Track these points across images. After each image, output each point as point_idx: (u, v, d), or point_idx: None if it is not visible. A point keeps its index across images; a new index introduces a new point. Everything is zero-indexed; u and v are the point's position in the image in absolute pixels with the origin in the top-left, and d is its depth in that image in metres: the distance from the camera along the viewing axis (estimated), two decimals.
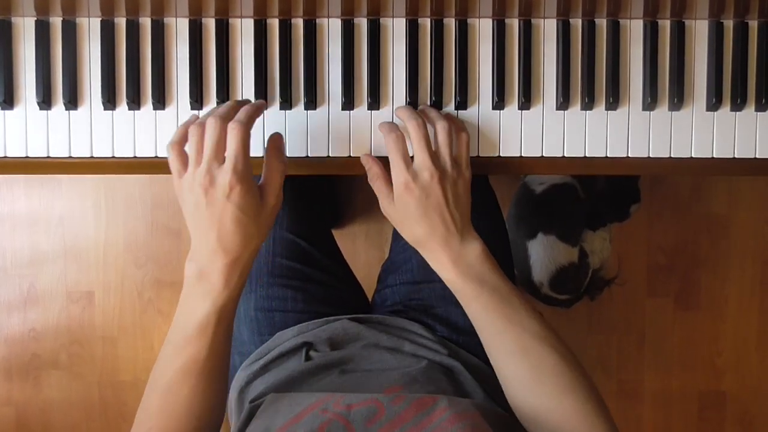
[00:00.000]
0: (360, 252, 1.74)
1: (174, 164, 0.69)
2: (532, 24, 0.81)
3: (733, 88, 0.82)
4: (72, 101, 0.79)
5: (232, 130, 0.67)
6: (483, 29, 0.81)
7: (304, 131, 0.80)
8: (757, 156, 0.83)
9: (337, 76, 0.80)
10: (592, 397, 0.71)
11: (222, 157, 0.67)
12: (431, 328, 0.95)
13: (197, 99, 0.79)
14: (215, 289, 0.70)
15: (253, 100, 0.80)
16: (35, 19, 0.79)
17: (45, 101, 0.78)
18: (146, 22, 0.79)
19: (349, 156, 0.81)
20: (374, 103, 0.80)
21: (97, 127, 0.80)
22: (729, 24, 0.82)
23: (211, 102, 0.80)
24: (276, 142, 0.74)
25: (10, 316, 1.77)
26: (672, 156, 0.82)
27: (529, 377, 0.72)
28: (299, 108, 0.80)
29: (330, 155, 0.81)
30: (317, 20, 0.80)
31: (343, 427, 0.67)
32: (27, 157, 0.80)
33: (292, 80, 0.80)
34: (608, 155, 0.82)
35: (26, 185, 1.75)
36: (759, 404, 1.86)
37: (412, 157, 0.74)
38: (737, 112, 0.83)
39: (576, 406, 0.70)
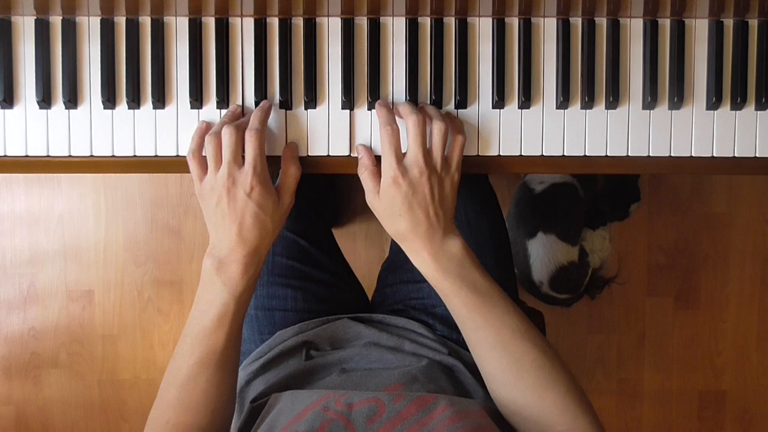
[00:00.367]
0: (360, 251, 1.74)
1: (195, 170, 0.75)
2: (532, 23, 0.81)
3: (733, 87, 0.82)
4: (72, 100, 0.79)
5: (251, 137, 0.73)
6: (483, 28, 0.81)
7: (304, 130, 0.80)
8: (757, 155, 0.83)
9: (337, 75, 0.80)
10: (572, 391, 0.72)
11: (240, 160, 0.73)
12: (431, 327, 0.95)
13: (197, 98, 0.79)
14: (234, 278, 0.73)
15: (253, 99, 0.80)
16: (35, 17, 0.79)
17: (45, 100, 0.78)
18: (146, 21, 0.79)
19: (349, 155, 0.81)
20: (374, 102, 0.80)
21: (96, 126, 0.80)
22: (729, 23, 0.82)
23: (211, 101, 0.80)
24: (292, 150, 0.79)
25: (9, 315, 1.77)
26: (672, 155, 0.82)
27: (510, 372, 0.73)
28: (299, 107, 0.80)
29: (330, 154, 0.81)
30: (317, 19, 0.80)
31: (344, 426, 0.67)
32: (27, 156, 0.80)
33: (292, 79, 0.80)
34: (608, 154, 0.82)
35: (26, 184, 1.75)
36: (758, 403, 1.86)
37: (404, 153, 0.75)
38: (737, 111, 0.83)
39: (557, 399, 0.71)
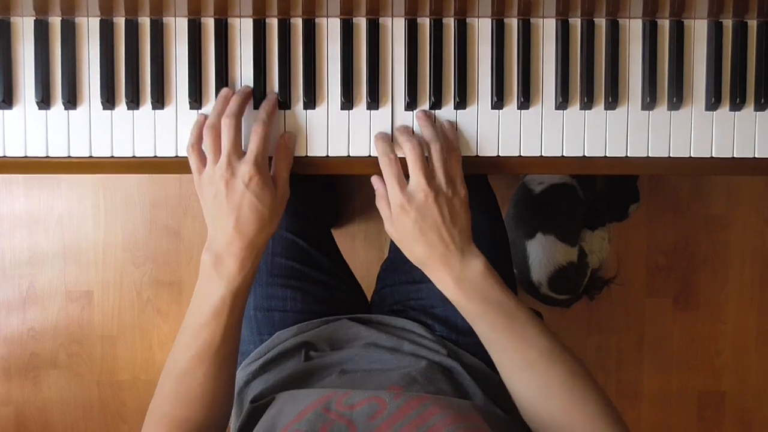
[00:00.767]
0: (359, 251, 1.74)
1: (194, 163, 0.75)
2: (531, 23, 0.81)
3: (732, 88, 0.82)
4: (71, 101, 0.79)
5: (257, 127, 0.74)
6: (482, 29, 0.81)
7: (303, 131, 0.80)
8: (757, 155, 0.83)
9: (337, 75, 0.80)
10: (601, 411, 0.71)
11: (240, 150, 0.74)
12: (430, 328, 0.95)
13: (196, 99, 0.79)
14: (231, 272, 0.73)
15: (253, 99, 0.79)
16: (34, 18, 0.79)
17: (44, 101, 0.78)
18: (145, 22, 0.79)
19: (348, 156, 0.81)
20: (373, 102, 0.80)
21: (96, 127, 0.80)
22: (728, 24, 0.82)
23: (210, 102, 0.80)
24: (287, 139, 0.79)
25: (9, 316, 1.77)
26: (671, 156, 0.82)
27: (538, 393, 0.72)
28: (298, 108, 0.80)
29: (329, 155, 0.81)
30: (316, 20, 0.80)
31: (346, 427, 0.67)
32: (26, 156, 0.80)
33: (291, 80, 0.80)
34: (607, 155, 0.82)
35: (25, 185, 1.75)
36: (758, 404, 1.86)
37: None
38: (736, 112, 0.83)
39: (586, 420, 0.70)
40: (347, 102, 0.80)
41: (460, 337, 0.93)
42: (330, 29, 0.80)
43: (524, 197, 1.56)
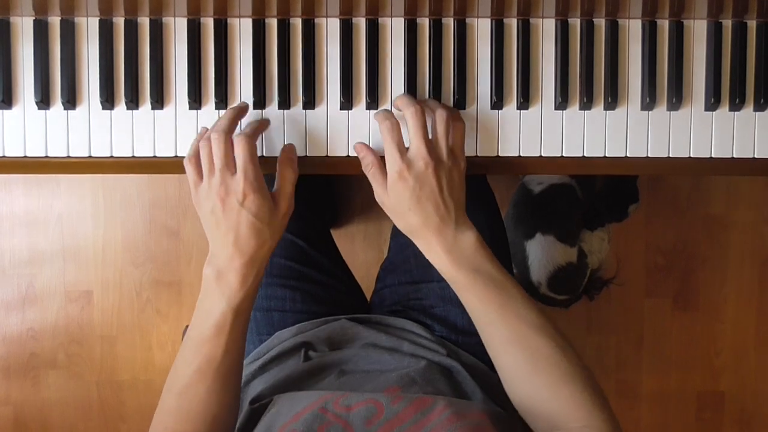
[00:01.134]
0: (358, 252, 1.74)
1: (191, 176, 0.74)
2: (530, 24, 0.81)
3: (732, 88, 0.82)
4: (70, 101, 0.79)
5: (239, 143, 0.72)
6: (481, 29, 0.81)
7: (303, 131, 0.80)
8: (756, 156, 0.83)
9: (336, 75, 0.80)
10: (588, 387, 0.71)
11: (232, 167, 0.72)
12: (430, 328, 0.95)
13: (195, 99, 0.79)
14: (232, 288, 0.72)
15: (252, 99, 0.80)
16: (33, 18, 0.79)
17: (43, 101, 0.78)
18: (145, 22, 0.79)
19: (348, 156, 0.81)
20: (373, 102, 0.80)
21: (95, 127, 0.80)
22: (728, 24, 0.82)
23: (210, 102, 0.80)
24: (289, 152, 0.78)
25: (8, 316, 1.77)
26: (670, 156, 0.82)
27: (525, 367, 0.72)
28: (298, 108, 0.80)
29: (328, 155, 0.81)
30: (316, 20, 0.80)
31: (342, 428, 0.67)
32: (25, 156, 0.80)
33: (290, 80, 0.80)
34: (607, 155, 0.82)
35: (25, 185, 1.75)
36: (757, 404, 1.86)
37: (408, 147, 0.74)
38: (736, 112, 0.83)
39: (573, 395, 0.70)
40: (347, 102, 0.80)
41: (459, 337, 0.93)
42: (329, 29, 0.80)
43: (524, 197, 1.56)
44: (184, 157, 0.76)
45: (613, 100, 0.81)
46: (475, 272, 0.74)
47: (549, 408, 0.70)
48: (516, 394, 0.74)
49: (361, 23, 0.80)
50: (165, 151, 0.80)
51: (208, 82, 0.80)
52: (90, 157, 0.80)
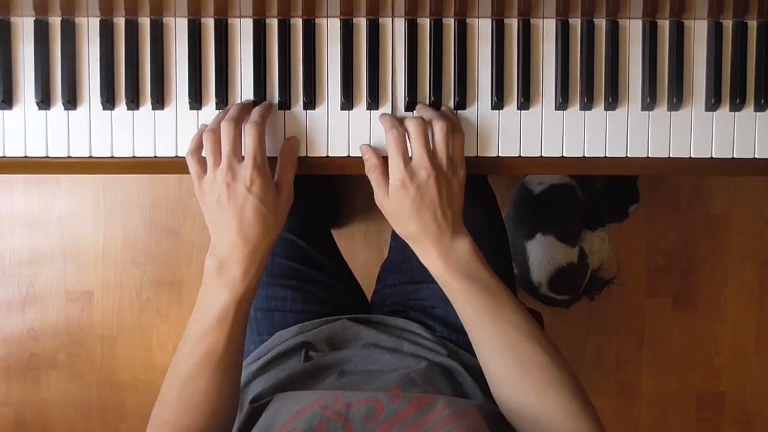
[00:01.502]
0: (359, 252, 1.74)
1: (194, 169, 0.75)
2: (531, 24, 0.81)
3: (732, 89, 0.82)
4: (71, 101, 0.79)
5: (250, 129, 0.73)
6: (482, 29, 0.81)
7: (303, 131, 0.80)
8: (756, 156, 0.83)
9: (336, 76, 0.80)
10: (576, 394, 0.71)
11: (240, 154, 0.73)
12: (430, 328, 0.95)
13: (196, 99, 0.79)
14: (235, 280, 0.73)
15: (252, 99, 0.80)
16: (34, 18, 0.79)
17: (44, 101, 0.78)
18: (145, 22, 0.79)
19: (348, 156, 0.81)
20: (373, 103, 0.80)
21: (95, 127, 0.80)
22: (728, 24, 0.82)
23: (210, 102, 0.80)
24: (291, 144, 0.79)
25: (8, 316, 1.77)
26: (671, 156, 0.82)
27: (514, 373, 0.72)
28: (298, 108, 0.80)
29: (329, 155, 0.81)
30: (316, 20, 0.80)
31: (342, 425, 0.67)
32: (26, 156, 0.80)
33: (291, 80, 0.80)
34: (607, 155, 0.82)
35: (25, 185, 1.75)
36: (757, 405, 1.86)
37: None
38: (736, 113, 0.83)
39: (561, 402, 0.70)
40: (347, 102, 0.80)
41: (460, 337, 0.93)
42: (330, 29, 0.80)
43: (524, 198, 1.56)
44: (184, 157, 0.76)
45: (613, 100, 0.81)
46: (469, 277, 0.75)
47: (537, 414, 0.71)
48: (504, 400, 0.74)
49: (361, 23, 0.80)
50: (165, 151, 0.80)
51: (209, 82, 0.80)
52: (90, 157, 0.80)
